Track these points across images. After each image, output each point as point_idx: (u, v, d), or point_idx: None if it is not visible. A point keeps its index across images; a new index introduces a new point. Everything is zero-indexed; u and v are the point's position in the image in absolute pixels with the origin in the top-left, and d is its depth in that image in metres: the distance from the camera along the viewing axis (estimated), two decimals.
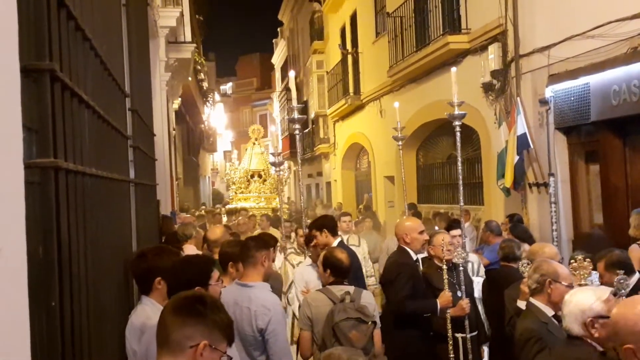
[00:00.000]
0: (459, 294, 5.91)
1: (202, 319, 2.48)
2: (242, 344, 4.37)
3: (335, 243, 6.49)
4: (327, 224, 6.81)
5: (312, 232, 6.64)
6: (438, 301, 5.75)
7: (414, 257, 6.03)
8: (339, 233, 9.22)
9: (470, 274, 7.20)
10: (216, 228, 7.55)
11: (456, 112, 6.73)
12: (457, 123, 6.79)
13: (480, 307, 7.10)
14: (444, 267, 5.90)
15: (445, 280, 5.83)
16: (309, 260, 6.96)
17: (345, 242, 8.96)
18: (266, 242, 4.81)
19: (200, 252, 6.80)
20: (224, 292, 4.57)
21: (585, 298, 3.63)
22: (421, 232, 6.03)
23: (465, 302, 5.78)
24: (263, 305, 4.39)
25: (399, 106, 9.21)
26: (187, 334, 2.45)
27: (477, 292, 7.22)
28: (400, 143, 8.01)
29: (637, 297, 2.98)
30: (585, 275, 4.44)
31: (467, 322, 5.84)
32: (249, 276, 4.55)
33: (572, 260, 4.67)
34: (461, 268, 6.05)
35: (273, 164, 9.94)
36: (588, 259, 4.67)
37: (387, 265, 6.32)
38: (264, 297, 4.48)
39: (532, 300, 4.48)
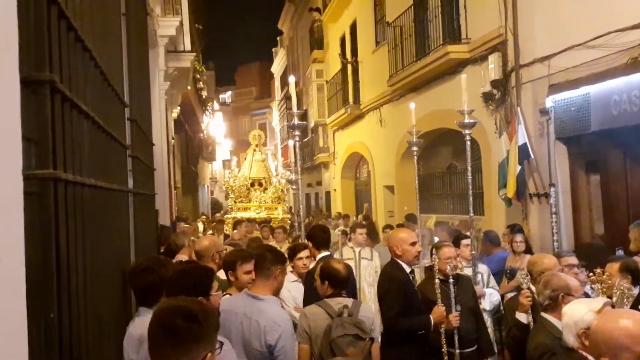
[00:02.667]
0: (457, 307, 5.82)
1: (202, 337, 2.46)
2: (247, 357, 4.30)
3: (318, 257, 6.42)
4: (313, 234, 6.72)
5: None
6: (431, 317, 5.61)
7: (407, 270, 5.77)
8: (350, 245, 9.18)
9: (480, 285, 7.16)
10: (204, 239, 7.11)
11: (466, 120, 6.68)
12: (467, 132, 6.74)
13: (489, 321, 7.03)
14: (447, 279, 5.85)
15: (438, 294, 5.74)
16: (292, 277, 6.75)
17: (358, 255, 8.90)
18: (283, 257, 4.78)
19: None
20: (233, 301, 4.56)
21: (577, 309, 3.64)
22: (413, 244, 5.76)
23: (453, 316, 5.69)
24: (273, 320, 4.32)
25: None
26: (193, 356, 2.44)
27: (489, 304, 7.17)
28: (415, 148, 7.76)
29: (620, 310, 2.98)
30: (604, 290, 4.42)
31: (456, 337, 5.74)
32: (260, 288, 4.49)
33: (591, 274, 4.64)
34: (479, 275, 5.89)
35: (289, 181, 9.69)
36: (607, 273, 4.66)
37: (378, 280, 6.12)
38: (274, 312, 4.41)
39: (543, 315, 4.45)
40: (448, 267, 5.85)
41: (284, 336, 4.29)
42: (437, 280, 5.77)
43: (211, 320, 2.52)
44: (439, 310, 5.62)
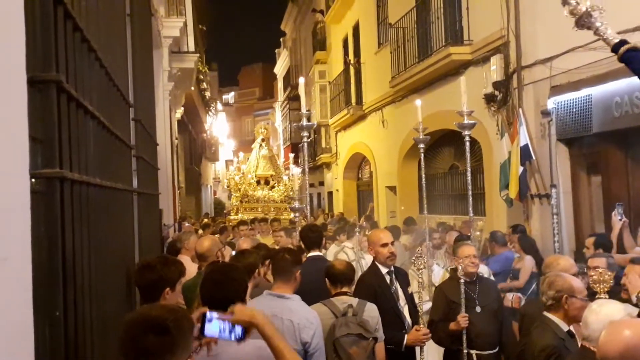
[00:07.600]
0: (477, 309, 5.79)
1: (176, 347, 2.35)
2: None
3: (307, 256, 6.37)
4: (302, 235, 6.73)
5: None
6: (406, 337, 5.41)
7: (384, 271, 5.69)
8: (350, 246, 9.13)
9: None
10: (205, 239, 6.72)
11: (466, 121, 6.70)
12: (466, 133, 6.76)
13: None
14: (467, 279, 5.79)
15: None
16: None
17: (358, 255, 8.85)
18: (300, 257, 4.77)
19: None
20: (256, 304, 4.51)
21: (616, 310, 3.55)
22: (384, 245, 5.66)
23: (461, 317, 5.65)
24: (306, 318, 4.29)
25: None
26: None
27: None
28: (422, 145, 7.67)
29: (622, 321, 2.93)
30: (606, 289, 4.38)
31: (464, 337, 5.69)
32: (282, 288, 4.45)
33: (593, 273, 4.61)
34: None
35: (293, 209, 9.13)
36: (609, 273, 4.61)
37: None
38: (305, 310, 4.39)
39: (546, 314, 4.41)
40: (461, 266, 5.78)
41: (317, 334, 4.28)
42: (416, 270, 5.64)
43: (185, 326, 2.39)
44: (416, 333, 5.39)
